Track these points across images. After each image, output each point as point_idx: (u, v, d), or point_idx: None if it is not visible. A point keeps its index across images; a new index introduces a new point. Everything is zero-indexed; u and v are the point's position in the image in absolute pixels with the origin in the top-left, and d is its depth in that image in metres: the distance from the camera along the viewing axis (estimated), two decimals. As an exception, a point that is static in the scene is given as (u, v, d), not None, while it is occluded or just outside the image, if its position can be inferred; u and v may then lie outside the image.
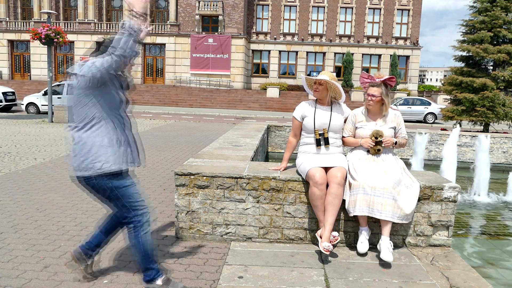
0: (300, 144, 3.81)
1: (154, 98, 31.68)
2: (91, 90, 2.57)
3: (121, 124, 2.74)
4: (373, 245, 3.61)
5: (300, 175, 3.69)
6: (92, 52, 2.76)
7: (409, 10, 36.79)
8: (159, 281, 2.81)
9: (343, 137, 3.81)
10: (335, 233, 3.48)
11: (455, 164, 7.50)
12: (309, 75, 33.90)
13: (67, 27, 35.81)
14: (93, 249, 2.96)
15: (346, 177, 3.55)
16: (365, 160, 3.59)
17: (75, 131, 2.65)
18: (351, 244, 3.70)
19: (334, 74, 3.87)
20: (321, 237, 3.39)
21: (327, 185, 3.47)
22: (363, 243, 3.35)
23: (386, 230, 3.43)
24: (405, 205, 3.43)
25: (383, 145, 3.59)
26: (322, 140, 3.63)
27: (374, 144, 3.59)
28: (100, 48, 2.73)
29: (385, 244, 3.37)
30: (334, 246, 3.51)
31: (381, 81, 3.64)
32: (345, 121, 3.80)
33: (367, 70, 36.84)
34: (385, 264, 3.32)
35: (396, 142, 3.64)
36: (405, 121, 3.85)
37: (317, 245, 3.46)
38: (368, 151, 3.64)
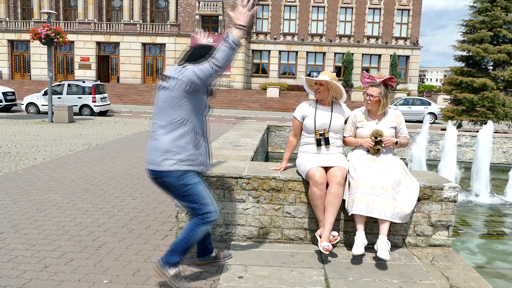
0: (300, 144, 3.81)
1: (154, 98, 31.61)
2: (185, 94, 2.74)
3: (202, 128, 2.90)
4: (373, 245, 3.60)
5: (300, 175, 3.69)
6: (180, 60, 2.89)
7: (409, 10, 36.79)
8: (172, 270, 2.81)
9: (344, 137, 3.82)
10: (335, 233, 3.48)
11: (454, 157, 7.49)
12: (309, 75, 33.99)
13: (67, 27, 35.81)
14: (202, 254, 3.22)
15: (346, 177, 3.55)
16: (365, 160, 3.60)
17: (159, 128, 2.79)
18: (351, 244, 3.70)
19: (335, 74, 3.84)
20: (320, 237, 3.39)
21: (327, 185, 3.47)
22: (358, 246, 3.33)
23: (384, 230, 3.43)
24: (404, 205, 3.43)
25: (383, 145, 3.59)
26: (322, 140, 3.63)
27: (374, 144, 3.59)
28: (188, 57, 2.88)
29: (382, 242, 3.36)
30: (334, 246, 3.51)
31: (381, 81, 3.64)
32: (345, 122, 3.79)
33: (367, 70, 36.84)
34: (385, 264, 3.32)
35: (396, 142, 3.64)
36: (405, 121, 3.85)
37: (317, 245, 3.46)
38: (368, 151, 3.64)
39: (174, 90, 2.74)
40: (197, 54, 2.86)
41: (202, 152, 2.88)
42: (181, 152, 2.76)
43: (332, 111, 3.69)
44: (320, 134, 3.63)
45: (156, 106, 2.85)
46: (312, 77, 3.77)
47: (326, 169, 3.53)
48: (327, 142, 3.62)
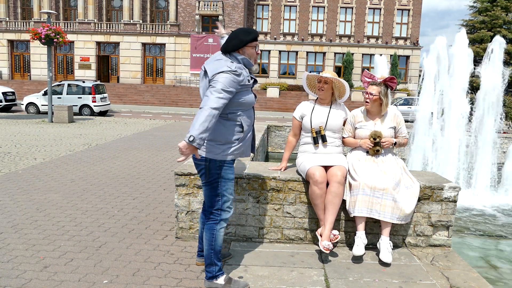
0: (300, 144, 3.81)
1: (154, 98, 31.69)
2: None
3: (252, 119, 2.96)
4: (373, 245, 3.61)
5: (300, 175, 3.68)
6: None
7: (409, 10, 36.78)
8: (220, 280, 2.85)
9: (343, 137, 3.81)
10: (335, 232, 3.48)
11: None
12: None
13: (67, 27, 35.81)
14: (202, 254, 3.08)
15: (346, 176, 3.55)
16: (364, 161, 3.59)
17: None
18: (351, 244, 3.70)
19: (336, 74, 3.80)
20: (321, 236, 3.39)
21: (327, 184, 3.47)
22: (359, 246, 3.34)
23: (385, 231, 3.43)
24: (404, 205, 3.43)
25: (382, 145, 3.59)
26: (319, 137, 3.60)
27: (372, 145, 3.58)
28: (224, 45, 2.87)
29: (384, 244, 3.37)
30: (335, 245, 3.51)
31: (381, 81, 3.64)
32: (344, 122, 3.78)
33: (367, 70, 36.81)
34: (384, 264, 3.32)
35: (395, 143, 3.64)
36: (405, 121, 3.85)
37: (317, 244, 3.46)
38: (367, 152, 3.64)
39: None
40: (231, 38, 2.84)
41: (247, 143, 3.01)
42: (230, 142, 2.86)
43: (330, 110, 3.67)
44: (316, 132, 3.61)
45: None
46: (316, 73, 3.69)
47: (326, 168, 3.53)
48: (324, 139, 3.60)
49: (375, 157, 3.60)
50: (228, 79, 2.65)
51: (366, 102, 3.66)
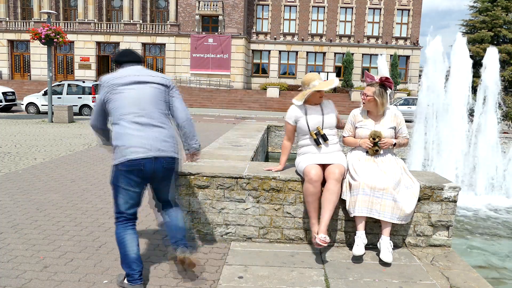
0: (298, 147, 3.79)
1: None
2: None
3: None
4: (373, 245, 3.61)
5: (300, 175, 3.68)
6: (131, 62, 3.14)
7: (409, 10, 36.78)
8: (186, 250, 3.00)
9: (343, 137, 3.82)
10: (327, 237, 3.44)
11: None
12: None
13: (67, 27, 35.81)
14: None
15: (344, 175, 3.55)
16: (364, 161, 3.60)
17: (164, 117, 3.00)
18: (351, 244, 3.69)
19: (321, 74, 3.84)
20: (317, 234, 3.35)
21: (324, 184, 3.47)
22: (359, 246, 3.34)
23: (386, 231, 3.43)
24: (404, 205, 3.43)
25: (380, 146, 3.59)
26: (320, 138, 3.61)
27: (372, 145, 3.59)
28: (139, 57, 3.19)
29: (384, 244, 3.37)
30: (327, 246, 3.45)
31: (376, 82, 3.66)
32: (337, 118, 3.77)
33: (367, 70, 36.85)
34: (385, 264, 3.32)
35: (395, 144, 3.63)
36: (406, 121, 3.85)
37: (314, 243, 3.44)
38: (367, 152, 3.64)
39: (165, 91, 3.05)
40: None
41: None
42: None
43: (322, 109, 3.69)
44: (316, 134, 3.61)
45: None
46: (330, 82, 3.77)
47: (324, 166, 3.53)
48: (325, 139, 3.61)
49: (375, 157, 3.61)
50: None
51: (363, 103, 3.72)
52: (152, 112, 2.87)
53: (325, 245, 3.28)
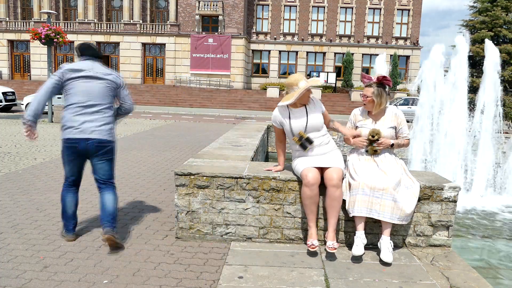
0: (292, 150, 3.76)
1: (154, 98, 31.68)
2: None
3: None
4: (373, 245, 3.61)
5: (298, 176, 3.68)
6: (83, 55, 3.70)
7: (409, 10, 36.79)
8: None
9: (344, 135, 3.81)
10: (316, 242, 3.45)
11: None
12: (309, 75, 33.79)
13: (67, 27, 35.83)
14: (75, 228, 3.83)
15: (343, 177, 3.55)
16: (365, 161, 3.60)
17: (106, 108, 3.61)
18: (351, 244, 3.69)
19: (303, 75, 3.79)
20: (325, 240, 3.45)
21: (323, 185, 3.47)
22: (358, 246, 3.34)
23: (386, 230, 3.44)
24: (404, 206, 3.43)
25: (377, 144, 3.58)
26: (305, 142, 3.52)
27: (368, 142, 3.59)
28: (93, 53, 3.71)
29: (385, 244, 3.37)
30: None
31: (373, 82, 3.66)
32: (323, 115, 3.66)
33: (367, 70, 36.86)
34: (385, 264, 3.32)
35: (392, 145, 3.62)
36: (406, 121, 3.84)
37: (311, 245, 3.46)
38: (366, 151, 3.64)
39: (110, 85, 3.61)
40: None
41: None
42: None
43: (307, 112, 3.57)
44: (300, 139, 3.52)
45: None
46: (311, 76, 3.74)
47: (323, 169, 3.52)
48: (310, 142, 3.52)
49: (375, 156, 3.61)
50: None
51: (363, 104, 3.74)
52: (96, 103, 3.50)
53: (334, 251, 3.32)
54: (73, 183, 3.76)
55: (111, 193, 3.63)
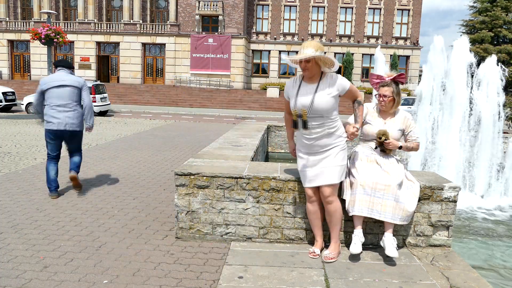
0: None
1: (154, 98, 31.69)
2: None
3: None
4: (373, 245, 3.61)
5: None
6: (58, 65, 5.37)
7: (409, 10, 36.79)
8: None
9: None
10: (318, 251, 3.48)
11: None
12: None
13: (67, 27, 35.81)
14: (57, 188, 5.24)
15: (340, 185, 3.48)
16: (367, 160, 3.57)
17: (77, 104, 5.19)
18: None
19: (319, 42, 3.37)
20: (318, 248, 3.50)
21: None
22: (356, 244, 3.33)
23: (389, 228, 3.42)
24: (405, 206, 3.42)
25: (385, 144, 3.55)
26: (299, 122, 3.17)
27: (378, 143, 3.56)
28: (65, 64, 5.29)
29: (388, 240, 3.35)
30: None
31: (391, 80, 3.61)
32: (340, 96, 3.24)
33: (367, 70, 36.87)
34: (385, 264, 3.32)
35: (401, 147, 3.58)
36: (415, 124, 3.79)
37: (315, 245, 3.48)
38: (375, 147, 3.59)
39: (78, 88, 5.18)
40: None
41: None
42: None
43: (316, 89, 3.14)
44: (298, 116, 3.16)
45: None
46: (293, 56, 3.15)
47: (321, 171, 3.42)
48: (305, 126, 3.16)
49: (377, 156, 3.56)
50: None
51: (381, 105, 3.60)
52: (68, 102, 5.01)
53: (330, 261, 3.34)
54: (54, 157, 5.15)
55: (78, 155, 5.29)
